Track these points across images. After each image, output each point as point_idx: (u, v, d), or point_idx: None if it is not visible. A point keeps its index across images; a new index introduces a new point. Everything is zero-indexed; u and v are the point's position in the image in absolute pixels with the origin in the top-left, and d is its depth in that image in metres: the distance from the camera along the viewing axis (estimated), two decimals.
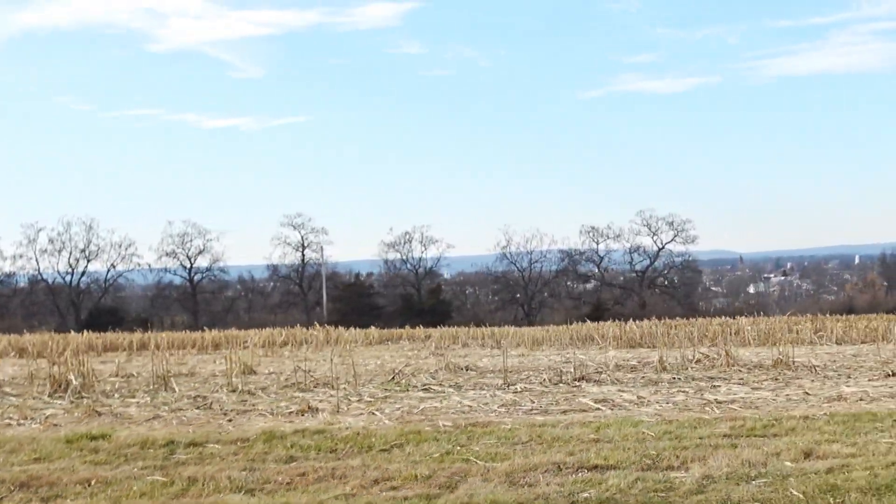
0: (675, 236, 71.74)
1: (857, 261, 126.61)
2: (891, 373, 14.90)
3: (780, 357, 17.28)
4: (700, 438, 9.13)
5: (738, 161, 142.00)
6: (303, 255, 69.61)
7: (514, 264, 71.51)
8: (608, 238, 72.07)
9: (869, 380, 14.36)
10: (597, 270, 72.85)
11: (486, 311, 70.80)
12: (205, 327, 39.22)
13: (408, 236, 70.38)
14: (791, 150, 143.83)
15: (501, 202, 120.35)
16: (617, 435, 9.35)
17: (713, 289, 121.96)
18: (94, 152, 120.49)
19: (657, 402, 11.98)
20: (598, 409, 11.58)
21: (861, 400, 11.90)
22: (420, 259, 70.85)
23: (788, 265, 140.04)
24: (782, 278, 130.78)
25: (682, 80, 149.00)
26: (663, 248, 71.91)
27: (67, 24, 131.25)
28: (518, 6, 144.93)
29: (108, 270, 65.81)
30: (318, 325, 31.13)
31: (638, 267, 72.76)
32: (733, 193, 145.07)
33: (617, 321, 39.00)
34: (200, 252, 67.14)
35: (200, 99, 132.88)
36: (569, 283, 73.41)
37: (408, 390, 14.20)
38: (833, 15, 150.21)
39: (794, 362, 17.16)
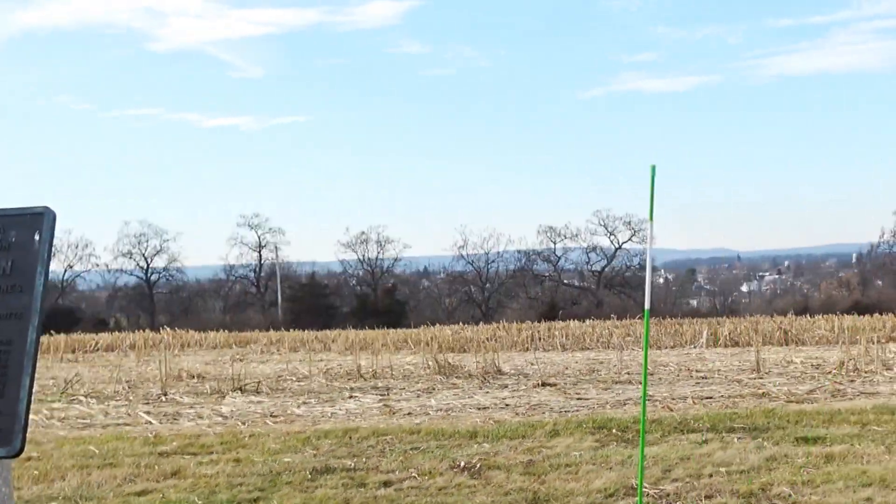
0: (632, 236, 71.53)
1: (854, 259, 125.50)
2: (541, 383, 15.07)
3: (486, 364, 17.50)
4: (133, 456, 9.40)
5: (739, 160, 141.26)
6: (259, 255, 70.31)
7: (471, 264, 71.72)
8: (565, 238, 72.05)
9: (514, 390, 14.49)
10: (553, 270, 72.75)
11: (443, 311, 71.22)
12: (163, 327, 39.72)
13: (364, 236, 70.85)
14: (792, 149, 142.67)
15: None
16: (59, 453, 9.64)
17: (707, 287, 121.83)
18: (91, 152, 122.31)
19: (210, 417, 12.27)
20: (150, 423, 11.90)
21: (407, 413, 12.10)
22: (376, 259, 71.31)
23: (786, 263, 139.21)
24: (776, 277, 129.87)
25: (683, 80, 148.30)
26: (620, 247, 71.76)
27: (67, 24, 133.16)
28: (518, 6, 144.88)
29: (65, 271, 66.78)
30: (161, 330, 31.62)
31: (596, 267, 72.63)
32: (734, 192, 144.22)
33: (566, 322, 39.66)
34: (157, 252, 67.93)
35: (200, 98, 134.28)
36: (526, 282, 73.33)
37: (61, 401, 14.59)
38: (834, 14, 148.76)
39: (499, 370, 17.39)
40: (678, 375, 16.11)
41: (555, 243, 72.15)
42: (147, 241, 67.56)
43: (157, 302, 68.76)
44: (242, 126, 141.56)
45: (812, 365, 16.98)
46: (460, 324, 45.83)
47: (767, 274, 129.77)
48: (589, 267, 72.66)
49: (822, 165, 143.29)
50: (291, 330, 49.83)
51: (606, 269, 72.35)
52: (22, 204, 4.27)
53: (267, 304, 69.92)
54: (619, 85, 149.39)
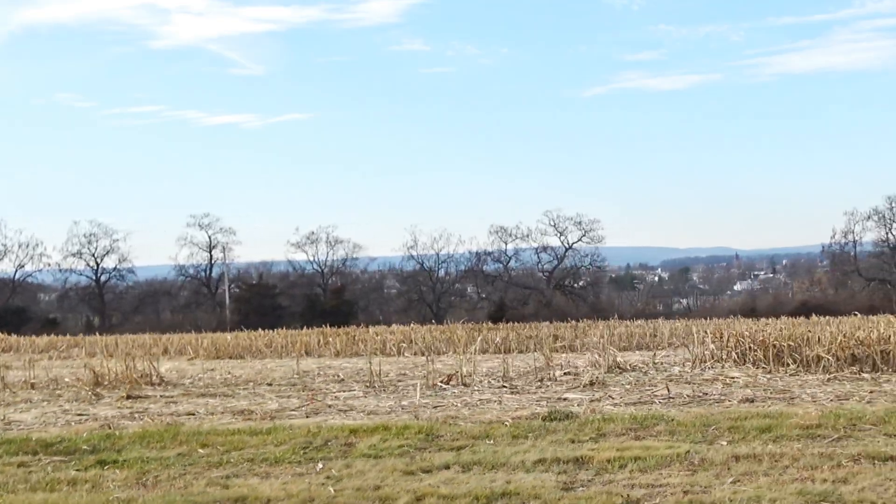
0: (583, 236, 71.04)
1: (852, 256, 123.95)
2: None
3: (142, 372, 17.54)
4: None
5: (740, 158, 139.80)
6: (210, 255, 70.83)
7: (422, 264, 71.72)
8: (517, 238, 71.67)
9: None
10: (504, 270, 72.46)
11: (393, 311, 71.38)
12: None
13: (314, 236, 71.15)
14: (794, 147, 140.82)
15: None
16: None
17: (700, 286, 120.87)
18: (95, 150, 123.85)
19: None
20: None
21: None
22: (326, 259, 71.63)
23: (784, 262, 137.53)
24: (770, 276, 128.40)
25: (684, 78, 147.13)
26: (570, 247, 71.31)
27: (69, 20, 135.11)
28: (520, 4, 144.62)
29: (16, 270, 67.89)
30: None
31: (547, 267, 72.26)
32: (736, 191, 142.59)
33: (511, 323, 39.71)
34: (107, 252, 68.76)
35: (202, 96, 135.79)
36: (477, 282, 73.15)
37: None
38: (836, 12, 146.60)
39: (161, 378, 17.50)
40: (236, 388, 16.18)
41: (506, 243, 71.85)
42: (97, 241, 68.43)
43: (107, 302, 69.71)
44: (244, 123, 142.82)
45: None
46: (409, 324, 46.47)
47: (762, 273, 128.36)
48: (539, 267, 72.30)
49: (824, 163, 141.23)
50: (237, 331, 50.20)
51: (557, 270, 71.94)
52: None
53: (217, 305, 70.54)
54: (620, 83, 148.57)
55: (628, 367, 17.33)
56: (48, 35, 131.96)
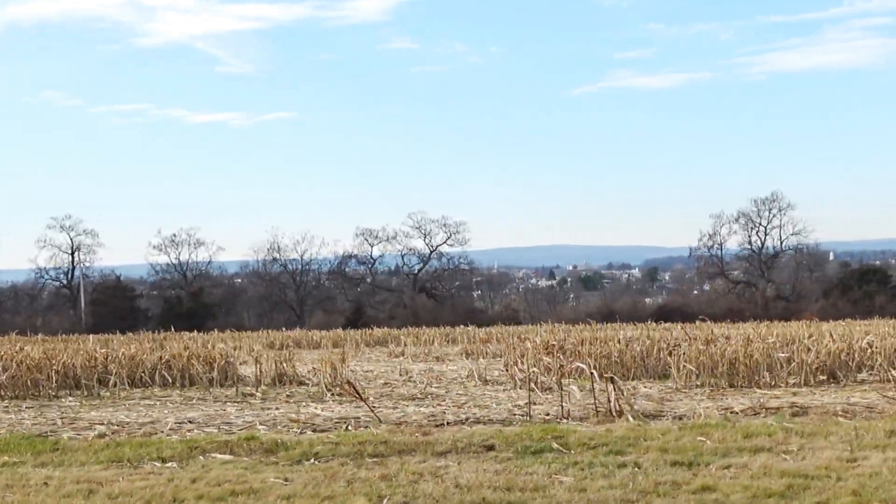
0: (448, 238, 68.20)
1: (831, 257, 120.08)
2: None
3: None
4: None
5: (730, 157, 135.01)
6: (72, 257, 69.88)
7: (285, 266, 69.83)
8: (383, 240, 69.26)
9: None
10: (368, 273, 70.15)
11: (255, 314, 69.51)
12: None
13: (175, 238, 69.71)
14: (782, 146, 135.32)
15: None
16: None
17: (669, 286, 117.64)
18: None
19: None
20: None
21: None
22: (188, 262, 70.17)
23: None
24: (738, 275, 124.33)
25: (674, 76, 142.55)
26: (435, 250, 68.50)
27: (53, 17, 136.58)
28: (508, 2, 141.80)
29: None
30: None
31: (415, 269, 69.67)
32: (723, 189, 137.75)
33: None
34: None
35: (189, 94, 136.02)
36: (343, 285, 70.94)
37: None
38: (826, 10, 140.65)
39: None
40: None
41: (372, 246, 69.50)
42: None
43: None
44: (231, 122, 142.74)
45: None
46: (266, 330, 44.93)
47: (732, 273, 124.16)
48: (405, 269, 69.70)
49: (813, 163, 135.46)
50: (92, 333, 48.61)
51: (421, 273, 69.21)
52: None
53: (74, 308, 69.59)
54: (610, 82, 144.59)
55: None
56: (32, 32, 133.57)
